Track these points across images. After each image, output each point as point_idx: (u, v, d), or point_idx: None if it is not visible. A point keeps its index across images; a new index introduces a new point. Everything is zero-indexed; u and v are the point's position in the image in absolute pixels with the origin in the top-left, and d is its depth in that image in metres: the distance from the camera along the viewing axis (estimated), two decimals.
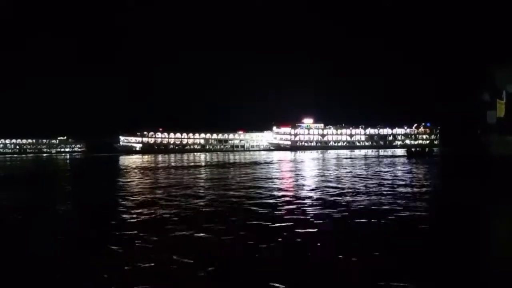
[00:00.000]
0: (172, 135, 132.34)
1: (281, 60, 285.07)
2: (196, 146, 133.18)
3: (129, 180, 20.77)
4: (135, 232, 7.48)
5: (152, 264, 5.51)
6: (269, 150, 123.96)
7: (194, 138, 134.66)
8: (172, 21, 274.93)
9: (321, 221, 8.25)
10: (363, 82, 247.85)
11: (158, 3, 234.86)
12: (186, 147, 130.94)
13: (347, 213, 9.17)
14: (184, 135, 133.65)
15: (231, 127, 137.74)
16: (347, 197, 11.78)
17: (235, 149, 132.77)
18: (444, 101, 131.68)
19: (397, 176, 18.91)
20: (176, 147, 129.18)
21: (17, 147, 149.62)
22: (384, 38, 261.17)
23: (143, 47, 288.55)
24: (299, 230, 7.37)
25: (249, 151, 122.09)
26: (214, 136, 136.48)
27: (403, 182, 16.02)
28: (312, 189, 14.03)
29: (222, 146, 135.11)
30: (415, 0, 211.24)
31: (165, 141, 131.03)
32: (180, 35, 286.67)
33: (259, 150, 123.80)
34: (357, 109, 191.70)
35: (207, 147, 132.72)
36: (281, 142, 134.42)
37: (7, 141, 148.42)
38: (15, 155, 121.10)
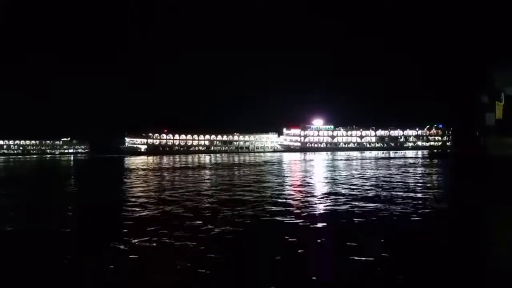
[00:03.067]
0: (177, 136, 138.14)
1: (285, 61, 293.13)
2: (200, 148, 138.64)
3: (133, 180, 23.62)
4: (137, 231, 8.05)
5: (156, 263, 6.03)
6: (274, 151, 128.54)
7: (198, 140, 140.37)
8: (172, 22, 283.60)
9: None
10: (373, 83, 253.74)
11: (158, 3, 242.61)
12: (191, 149, 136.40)
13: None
14: (189, 136, 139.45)
15: (235, 129, 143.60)
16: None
17: (240, 150, 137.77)
18: (451, 102, 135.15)
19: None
20: (181, 149, 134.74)
21: (21, 148, 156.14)
22: (387, 38, 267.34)
23: (145, 47, 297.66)
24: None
25: (254, 152, 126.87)
26: (219, 137, 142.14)
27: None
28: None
29: (227, 148, 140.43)
30: (415, 1, 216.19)
31: (170, 142, 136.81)
32: (181, 35, 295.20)
33: (264, 152, 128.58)
34: (368, 110, 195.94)
35: (212, 149, 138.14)
36: (290, 143, 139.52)
37: (11, 142, 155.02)
38: (19, 156, 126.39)
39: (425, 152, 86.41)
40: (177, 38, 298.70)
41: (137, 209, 11.22)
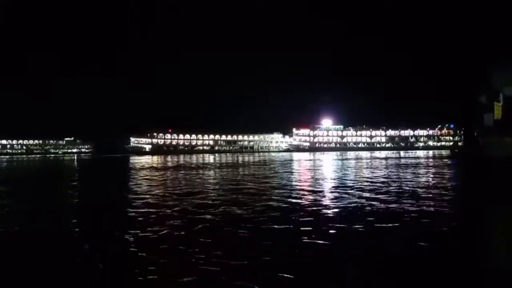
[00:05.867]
0: (181, 136, 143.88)
1: (285, 61, 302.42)
2: (205, 147, 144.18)
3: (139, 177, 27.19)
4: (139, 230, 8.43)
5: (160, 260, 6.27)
6: (279, 151, 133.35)
7: (203, 140, 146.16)
8: (172, 22, 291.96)
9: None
10: (381, 83, 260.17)
11: (158, 3, 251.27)
12: (195, 148, 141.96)
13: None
14: (193, 136, 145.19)
15: (237, 129, 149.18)
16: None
17: (244, 150, 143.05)
18: (461, 102, 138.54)
19: None
20: (185, 148, 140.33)
21: (24, 147, 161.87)
22: (387, 38, 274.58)
23: (145, 47, 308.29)
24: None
25: (259, 152, 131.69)
26: (223, 137, 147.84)
27: None
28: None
29: (231, 148, 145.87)
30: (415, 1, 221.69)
31: (174, 142, 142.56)
32: (181, 35, 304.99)
33: (269, 152, 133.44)
34: (378, 110, 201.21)
35: (216, 148, 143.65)
36: (300, 143, 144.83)
37: (14, 141, 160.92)
38: (23, 156, 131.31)
39: (437, 152, 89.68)
40: (177, 38, 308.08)
41: (144, 205, 11.98)
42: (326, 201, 12.36)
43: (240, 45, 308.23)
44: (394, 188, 15.62)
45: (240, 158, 65.82)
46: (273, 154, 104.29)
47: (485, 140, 50.09)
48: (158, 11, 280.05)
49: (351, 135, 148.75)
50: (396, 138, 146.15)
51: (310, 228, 8.44)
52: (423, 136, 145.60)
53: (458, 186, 18.33)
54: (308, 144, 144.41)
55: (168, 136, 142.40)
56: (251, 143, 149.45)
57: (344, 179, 19.81)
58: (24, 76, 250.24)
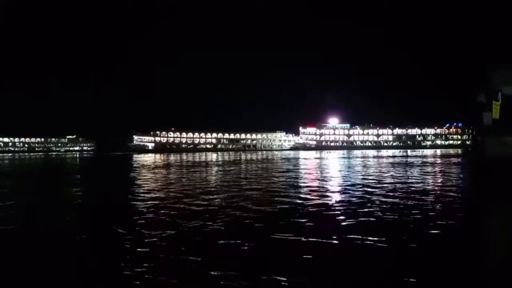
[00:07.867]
0: (184, 134, 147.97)
1: (285, 61, 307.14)
2: (208, 146, 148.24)
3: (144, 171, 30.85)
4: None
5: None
6: (280, 150, 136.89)
7: (206, 138, 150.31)
8: (173, 22, 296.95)
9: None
10: (390, 82, 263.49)
11: (158, 3, 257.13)
12: (198, 147, 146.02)
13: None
14: (196, 134, 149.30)
15: (242, 127, 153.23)
16: None
17: (247, 149, 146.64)
18: (468, 101, 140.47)
19: None
20: (188, 147, 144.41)
21: (26, 145, 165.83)
22: (394, 37, 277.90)
23: (145, 48, 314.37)
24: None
25: (262, 151, 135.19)
26: (226, 135, 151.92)
27: None
28: None
29: (234, 146, 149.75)
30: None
31: (177, 140, 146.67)
32: (181, 35, 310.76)
33: (271, 150, 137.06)
34: (385, 109, 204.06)
35: (219, 147, 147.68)
36: (306, 142, 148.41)
37: (16, 139, 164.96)
38: (25, 154, 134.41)
39: (445, 151, 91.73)
40: (177, 38, 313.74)
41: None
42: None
43: (240, 45, 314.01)
44: (400, 187, 16.55)
45: (243, 157, 68.37)
46: (276, 152, 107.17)
47: (484, 139, 52.39)
48: (158, 11, 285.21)
49: (358, 134, 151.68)
50: (403, 137, 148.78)
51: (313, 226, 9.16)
52: (431, 134, 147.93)
53: (461, 184, 19.00)
54: (314, 142, 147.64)
55: (171, 134, 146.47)
56: (254, 141, 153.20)
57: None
58: (25, 76, 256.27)
